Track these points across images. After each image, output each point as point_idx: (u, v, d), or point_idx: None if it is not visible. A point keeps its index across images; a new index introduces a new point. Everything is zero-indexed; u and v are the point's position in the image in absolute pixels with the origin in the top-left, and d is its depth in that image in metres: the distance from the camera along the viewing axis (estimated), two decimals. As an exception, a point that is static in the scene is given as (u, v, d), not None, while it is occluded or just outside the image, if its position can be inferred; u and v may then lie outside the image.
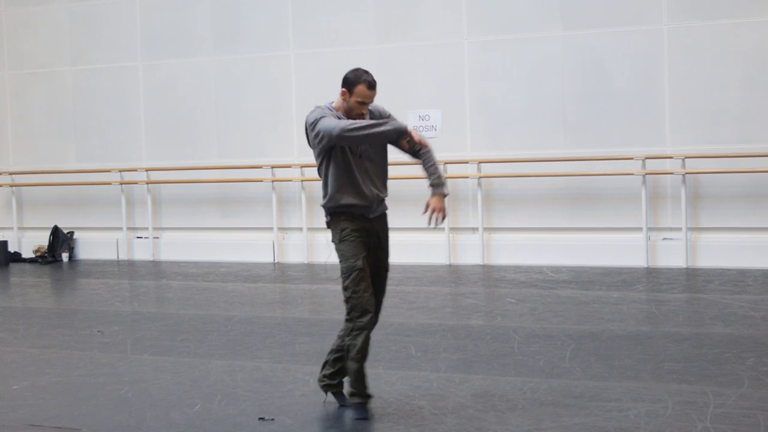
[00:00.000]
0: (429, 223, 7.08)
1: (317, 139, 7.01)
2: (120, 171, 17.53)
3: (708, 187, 14.29)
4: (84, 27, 18.09)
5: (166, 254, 17.28)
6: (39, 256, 17.87)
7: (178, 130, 17.43)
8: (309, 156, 16.18)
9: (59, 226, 17.94)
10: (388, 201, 7.43)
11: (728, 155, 13.98)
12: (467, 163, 15.19)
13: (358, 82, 7.05)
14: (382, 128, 6.89)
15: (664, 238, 14.44)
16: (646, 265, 14.22)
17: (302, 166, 16.22)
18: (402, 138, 6.99)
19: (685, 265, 14.06)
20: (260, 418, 7.05)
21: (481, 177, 14.96)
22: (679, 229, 14.25)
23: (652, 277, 13.39)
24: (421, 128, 15.53)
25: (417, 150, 7.23)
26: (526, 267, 14.49)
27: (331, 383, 7.35)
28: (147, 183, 17.32)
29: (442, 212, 7.07)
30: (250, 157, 16.77)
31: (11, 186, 18.46)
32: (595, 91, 14.82)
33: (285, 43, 16.67)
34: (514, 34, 15.34)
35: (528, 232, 15.09)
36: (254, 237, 16.77)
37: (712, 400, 7.11)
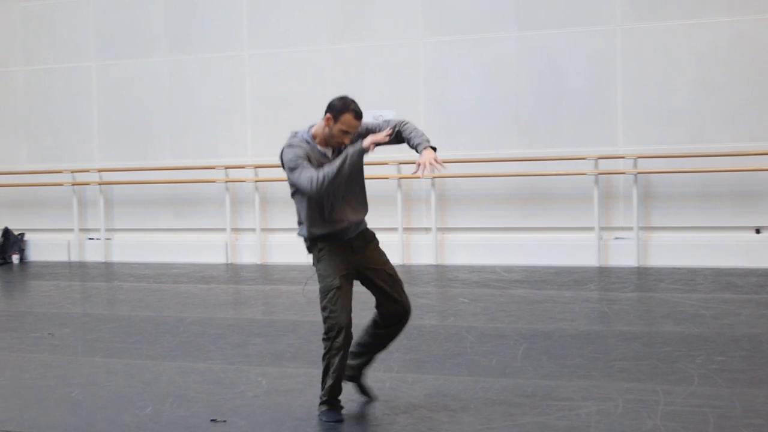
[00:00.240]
0: (424, 171, 6.78)
1: (292, 187, 6.90)
2: (72, 172, 17.40)
3: (659, 186, 14.39)
4: (37, 27, 17.95)
5: (118, 256, 17.17)
6: (-10, 258, 17.75)
7: (131, 131, 17.32)
8: (263, 157, 16.26)
9: (9, 227, 17.79)
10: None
11: (680, 155, 14.09)
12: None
13: (345, 111, 6.88)
14: (348, 161, 6.69)
15: (616, 238, 14.53)
16: (598, 265, 14.30)
17: (256, 167, 16.18)
18: (368, 152, 6.83)
19: (636, 264, 14.16)
20: (212, 420, 7.03)
21: (434, 177, 14.98)
22: (631, 228, 14.34)
23: (604, 276, 13.47)
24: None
25: (396, 135, 7.06)
26: (479, 267, 14.53)
27: (361, 373, 7.36)
28: (99, 184, 17.21)
29: (435, 159, 6.77)
30: (203, 158, 16.70)
31: (-39, 187, 18.30)
32: (548, 91, 14.88)
33: (239, 44, 16.62)
34: (469, 34, 15.38)
35: (481, 232, 15.13)
36: (207, 238, 16.71)
37: (662, 398, 7.16)
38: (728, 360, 8.30)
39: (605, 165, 14.54)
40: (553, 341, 9.29)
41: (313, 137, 6.98)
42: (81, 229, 17.56)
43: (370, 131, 7.11)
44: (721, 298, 11.45)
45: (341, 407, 7.02)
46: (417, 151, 6.95)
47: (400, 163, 15.12)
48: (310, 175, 6.68)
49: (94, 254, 17.37)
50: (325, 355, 6.96)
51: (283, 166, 6.97)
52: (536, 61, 15.01)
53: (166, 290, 13.66)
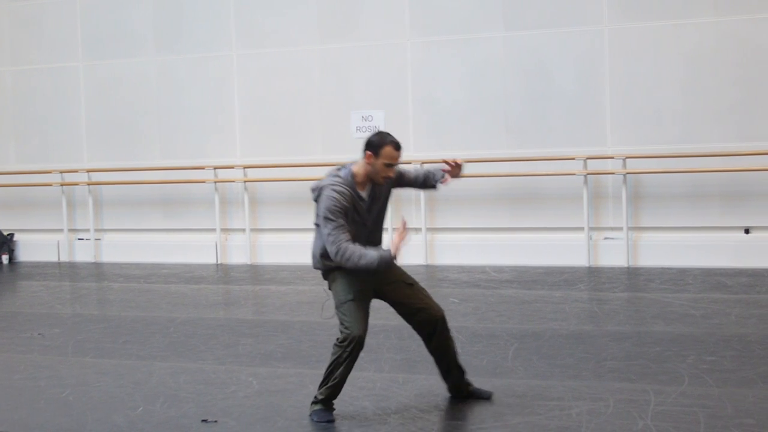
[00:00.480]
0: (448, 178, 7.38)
1: (317, 218, 7.00)
2: (61, 172, 17.36)
3: (649, 186, 14.42)
4: (24, 27, 17.90)
5: (108, 256, 17.14)
6: (-22, 259, 17.70)
7: (119, 131, 17.30)
8: (252, 157, 16.26)
9: (-1, 227, 17.78)
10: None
11: (669, 155, 14.11)
12: (410, 163, 15.19)
13: (384, 144, 6.96)
14: (373, 265, 6.80)
15: (606, 238, 14.55)
16: (587, 265, 14.31)
17: (245, 167, 16.17)
18: (396, 259, 6.90)
19: (626, 265, 14.18)
20: (203, 420, 7.03)
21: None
22: (620, 228, 14.36)
23: (594, 276, 13.49)
24: (363, 128, 15.54)
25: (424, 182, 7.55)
26: (469, 267, 14.54)
27: (461, 386, 7.37)
28: (88, 184, 17.18)
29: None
30: (192, 158, 16.68)
31: (-50, 187, 18.26)
32: (536, 91, 14.90)
33: (227, 44, 16.61)
34: (457, 34, 15.39)
35: (471, 232, 15.14)
36: (197, 238, 16.69)
37: (653, 398, 7.18)
38: (718, 360, 8.32)
39: (594, 165, 14.56)
40: (543, 341, 9.30)
41: (354, 176, 7.03)
42: (70, 230, 17.52)
43: (400, 174, 7.36)
44: (711, 298, 11.48)
45: (333, 409, 7.03)
46: (437, 179, 7.44)
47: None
48: (339, 246, 6.81)
49: (83, 254, 17.34)
50: (334, 360, 6.98)
51: (316, 200, 7.04)
52: (524, 61, 15.02)
53: (157, 290, 13.65)
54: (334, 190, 6.90)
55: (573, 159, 14.44)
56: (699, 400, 7.09)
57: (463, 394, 7.37)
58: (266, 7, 16.37)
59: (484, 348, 9.06)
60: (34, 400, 7.82)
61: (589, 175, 14.45)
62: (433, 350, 7.34)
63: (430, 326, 7.24)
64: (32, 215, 17.86)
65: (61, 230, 17.50)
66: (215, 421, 7.00)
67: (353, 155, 15.76)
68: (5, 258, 17.48)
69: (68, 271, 16.28)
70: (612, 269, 13.98)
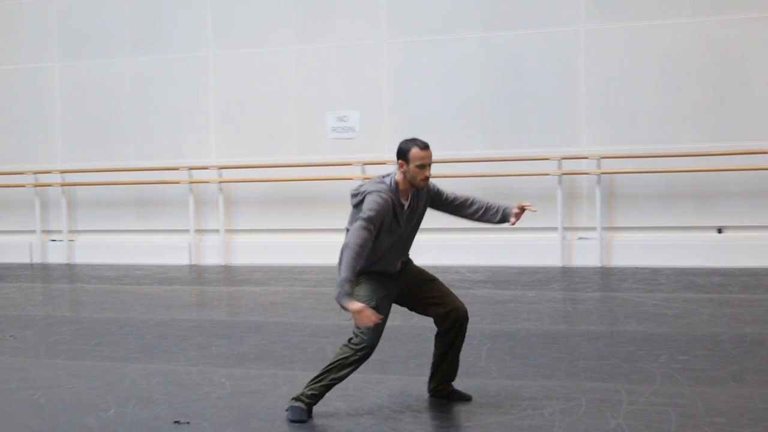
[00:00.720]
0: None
1: (353, 218, 7.08)
2: (34, 173, 17.29)
3: (623, 187, 14.46)
4: (0, 27, 17.85)
5: (81, 257, 17.08)
6: (-49, 260, 17.61)
7: (94, 132, 17.24)
8: (227, 157, 16.22)
9: (-28, 229, 17.70)
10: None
11: (643, 155, 14.16)
12: (385, 164, 15.20)
13: (410, 147, 7.02)
14: (341, 278, 6.80)
15: (580, 238, 14.59)
16: (561, 265, 14.35)
17: (220, 168, 16.14)
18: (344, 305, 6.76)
19: (599, 264, 14.22)
20: (175, 422, 6.99)
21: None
22: (594, 228, 14.40)
23: (568, 276, 13.52)
24: (339, 129, 15.54)
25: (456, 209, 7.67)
26: (443, 267, 14.53)
27: (444, 385, 7.38)
28: (62, 185, 17.12)
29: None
30: (167, 159, 16.64)
31: None
32: (512, 92, 14.92)
33: (204, 44, 16.57)
34: (433, 35, 15.40)
35: (445, 232, 15.13)
36: (171, 239, 16.65)
37: (625, 397, 7.19)
38: (690, 359, 8.35)
39: (569, 165, 14.59)
40: (516, 341, 9.31)
41: (397, 184, 7.10)
42: (44, 231, 17.46)
43: (438, 192, 7.47)
44: (684, 297, 11.52)
45: (311, 411, 7.01)
46: (505, 219, 7.51)
47: (365, 164, 15.13)
48: (355, 237, 6.80)
49: (56, 256, 17.27)
50: (340, 359, 7.00)
51: (357, 205, 7.11)
52: (500, 61, 15.05)
53: (130, 292, 13.60)
54: (381, 197, 6.93)
55: (548, 159, 14.47)
56: (671, 399, 7.10)
57: (443, 394, 7.36)
58: (242, 8, 16.34)
59: (458, 348, 9.05)
60: (5, 402, 7.77)
61: (563, 175, 14.48)
62: (444, 342, 7.33)
63: (451, 320, 7.28)
64: (5, 216, 17.78)
65: (34, 231, 17.43)
66: (188, 423, 6.97)
67: (328, 156, 15.84)
68: (-22, 259, 17.41)
69: (41, 272, 16.21)
70: (585, 269, 14.02)
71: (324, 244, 15.47)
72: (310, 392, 7.02)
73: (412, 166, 7.01)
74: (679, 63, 14.30)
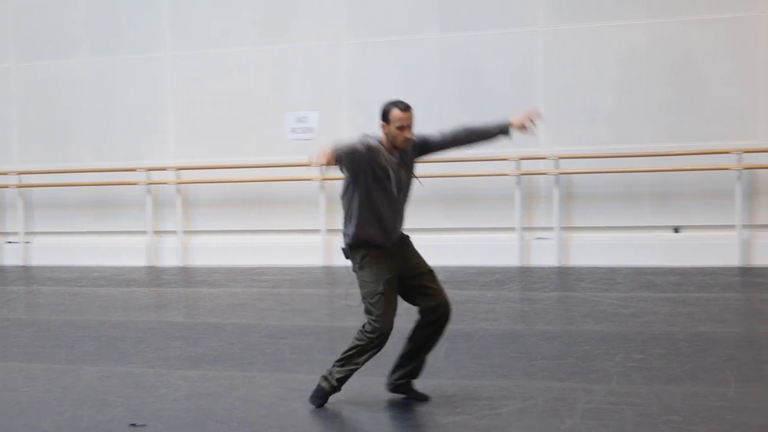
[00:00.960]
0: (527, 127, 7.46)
1: (345, 184, 7.18)
2: (-10, 175, 17.17)
3: (580, 187, 14.53)
4: (-48, 27, 17.69)
5: (38, 259, 16.95)
6: None
7: (51, 133, 17.12)
8: (185, 158, 16.15)
9: (-73, 231, 17.53)
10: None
11: (601, 156, 14.22)
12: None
13: (390, 109, 7.18)
14: (352, 147, 6.91)
15: (538, 238, 14.64)
16: (519, 265, 14.39)
17: (178, 169, 16.07)
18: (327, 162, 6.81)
19: (557, 264, 14.27)
20: (131, 425, 6.96)
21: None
22: (552, 228, 14.46)
23: (526, 276, 13.57)
24: (298, 130, 15.52)
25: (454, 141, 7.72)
26: (402, 268, 14.52)
27: (403, 383, 7.38)
28: (18, 186, 16.99)
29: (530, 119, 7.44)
30: (125, 160, 16.55)
31: None
32: (471, 92, 14.95)
33: (162, 45, 16.50)
34: (392, 36, 15.41)
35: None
36: (128, 241, 16.56)
37: (582, 396, 7.23)
38: (646, 358, 8.40)
39: (527, 166, 14.64)
40: (474, 341, 9.33)
41: (382, 143, 7.22)
42: (0, 233, 17.32)
43: (425, 141, 7.63)
44: (640, 296, 11.59)
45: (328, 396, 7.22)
46: (505, 132, 7.51)
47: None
48: (349, 143, 6.95)
49: (12, 258, 17.14)
50: (359, 346, 7.15)
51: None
52: (459, 62, 15.08)
53: (87, 294, 13.52)
54: (369, 137, 7.14)
55: (506, 160, 14.51)
56: (627, 398, 7.14)
57: (402, 390, 7.36)
58: (201, 9, 16.29)
59: (416, 348, 9.05)
60: (-41, 405, 7.71)
61: (521, 176, 14.53)
62: (420, 337, 7.36)
63: (437, 315, 7.33)
64: (-39, 218, 17.64)
65: (-10, 233, 17.30)
66: (144, 425, 6.93)
67: (287, 157, 15.80)
68: (-67, 262, 17.25)
69: (-2, 274, 16.10)
70: (543, 269, 14.07)
71: (283, 245, 15.48)
72: (338, 375, 7.18)
73: (392, 127, 7.19)
74: (637, 64, 14.38)
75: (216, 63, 16.25)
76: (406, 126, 7.20)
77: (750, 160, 13.84)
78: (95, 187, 16.73)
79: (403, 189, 7.33)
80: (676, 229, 14.20)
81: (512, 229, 14.60)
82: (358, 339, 7.16)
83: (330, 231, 15.35)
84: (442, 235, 14.98)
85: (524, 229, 14.61)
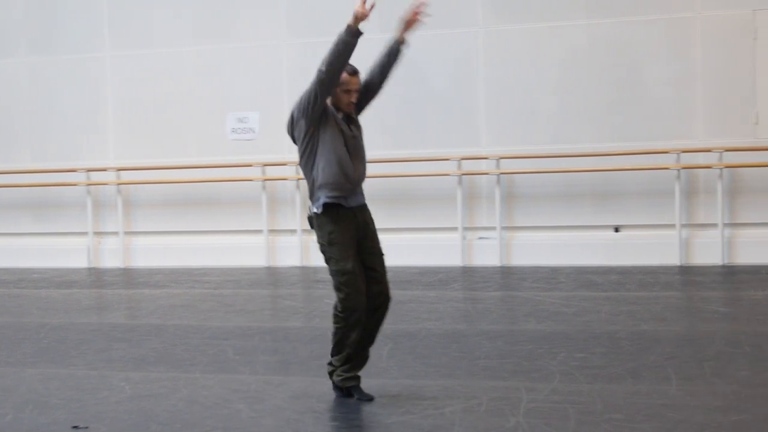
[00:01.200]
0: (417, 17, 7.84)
1: (301, 110, 7.32)
2: (-73, 176, 16.94)
3: (522, 186, 14.60)
4: None
5: (-23, 261, 16.77)
6: None
7: (-12, 134, 16.94)
8: (125, 159, 16.05)
9: None
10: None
11: (542, 155, 14.31)
12: (286, 165, 15.17)
13: None
14: (343, 41, 7.56)
15: (480, 238, 14.70)
16: (462, 264, 14.44)
17: (118, 170, 15.95)
18: (356, 26, 7.57)
19: (499, 264, 14.34)
20: (74, 427, 6.91)
21: (299, 179, 14.95)
22: (494, 228, 14.52)
23: (468, 275, 13.62)
24: (239, 130, 15.47)
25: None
26: (345, 268, 14.52)
27: (352, 377, 7.40)
28: (-45, 188, 16.79)
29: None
30: (64, 161, 16.40)
31: None
32: (411, 92, 14.96)
33: (101, 45, 16.37)
34: (331, 36, 15.28)
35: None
36: (69, 242, 16.41)
37: (525, 395, 7.27)
38: (588, 357, 8.46)
39: (468, 166, 14.69)
40: (418, 341, 9.36)
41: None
42: (-63, 235, 17.11)
43: (362, 91, 7.70)
44: (582, 295, 11.67)
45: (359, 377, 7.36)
46: (399, 43, 8.09)
47: (265, 165, 15.09)
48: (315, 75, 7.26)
49: (-50, 260, 16.94)
50: (338, 330, 7.24)
51: (291, 130, 7.49)
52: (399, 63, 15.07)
53: (27, 295, 13.40)
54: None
55: (447, 160, 14.56)
56: (569, 397, 7.19)
57: (349, 384, 7.37)
58: (139, 9, 16.18)
59: (360, 349, 9.06)
60: None
61: (463, 176, 14.58)
62: (365, 327, 7.39)
63: (378, 303, 7.38)
64: None
65: (-73, 235, 17.07)
66: (86, 428, 6.88)
67: (229, 157, 15.74)
68: None
69: (-65, 276, 15.89)
70: (486, 268, 14.13)
71: (224, 245, 15.42)
72: (341, 375, 7.32)
73: (338, 90, 7.36)
74: (577, 64, 14.48)
75: (156, 63, 16.15)
76: (353, 90, 7.38)
77: (688, 159, 13.99)
78: (34, 188, 16.55)
79: (357, 147, 7.47)
80: (617, 229, 14.32)
81: (455, 228, 14.65)
82: (336, 323, 7.25)
83: (272, 231, 15.32)
84: (385, 235, 14.81)
85: (466, 228, 14.66)
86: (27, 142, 16.75)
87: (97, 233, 16.31)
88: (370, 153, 14.95)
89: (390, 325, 10.03)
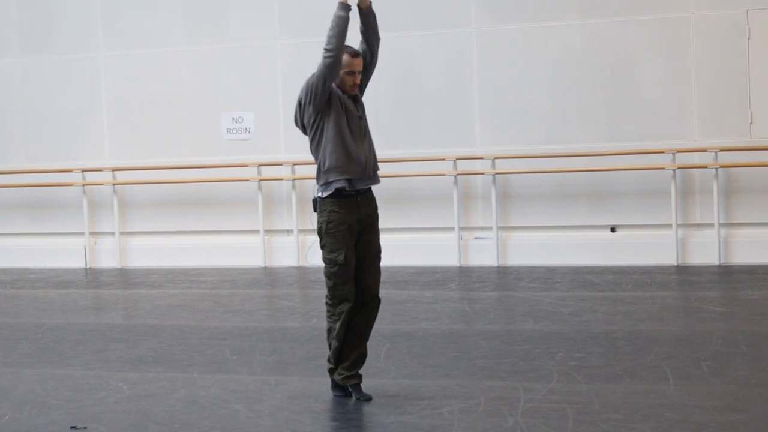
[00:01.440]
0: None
1: (309, 96, 7.37)
2: None
3: (517, 186, 14.61)
4: None
5: (-28, 261, 16.75)
6: None
7: (-17, 134, 16.91)
8: (121, 159, 16.04)
9: None
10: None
11: (537, 155, 14.31)
12: (281, 165, 15.17)
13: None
14: (336, 16, 7.63)
15: (476, 238, 14.71)
16: (458, 264, 14.44)
17: (114, 170, 15.94)
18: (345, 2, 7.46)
19: (496, 264, 14.34)
20: (72, 427, 6.92)
21: (295, 179, 14.95)
22: (490, 228, 14.52)
23: (465, 275, 13.63)
24: (234, 130, 15.47)
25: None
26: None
27: (352, 375, 7.43)
28: (-49, 188, 16.77)
29: None
30: (60, 161, 16.37)
31: None
32: (406, 93, 14.97)
33: (95, 45, 16.35)
34: (325, 36, 15.36)
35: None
36: (65, 242, 16.39)
37: (523, 395, 7.28)
38: (586, 356, 8.47)
39: (463, 166, 14.70)
40: (415, 341, 9.36)
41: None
42: (-68, 235, 17.08)
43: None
44: (579, 295, 11.69)
45: (358, 376, 7.42)
46: (361, 5, 8.00)
47: (261, 165, 15.09)
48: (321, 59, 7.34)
49: (-54, 260, 16.91)
50: (329, 318, 7.33)
51: (301, 111, 7.59)
52: (392, 62, 15.03)
53: (24, 296, 13.40)
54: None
55: (443, 160, 14.56)
56: (567, 397, 7.21)
57: (352, 382, 7.39)
58: (134, 8, 16.16)
59: (357, 349, 9.07)
60: None
61: (458, 176, 14.58)
62: (354, 323, 7.42)
63: (368, 295, 7.43)
64: None
65: None
66: (84, 428, 6.89)
67: (224, 157, 15.74)
68: None
69: (-69, 277, 15.87)
70: (482, 269, 14.13)
71: (220, 246, 15.42)
72: (342, 373, 7.35)
73: (342, 72, 7.38)
74: (571, 64, 14.48)
75: (150, 63, 16.13)
76: (356, 71, 7.41)
77: (683, 159, 14.00)
78: (30, 189, 16.53)
79: (364, 130, 7.51)
80: (613, 229, 14.33)
81: (451, 228, 14.65)
82: (328, 316, 7.35)
83: (268, 232, 15.32)
84: (382, 235, 14.93)
85: (462, 228, 14.66)
86: (22, 143, 16.73)
87: (93, 233, 16.29)
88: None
89: (387, 325, 10.08)
